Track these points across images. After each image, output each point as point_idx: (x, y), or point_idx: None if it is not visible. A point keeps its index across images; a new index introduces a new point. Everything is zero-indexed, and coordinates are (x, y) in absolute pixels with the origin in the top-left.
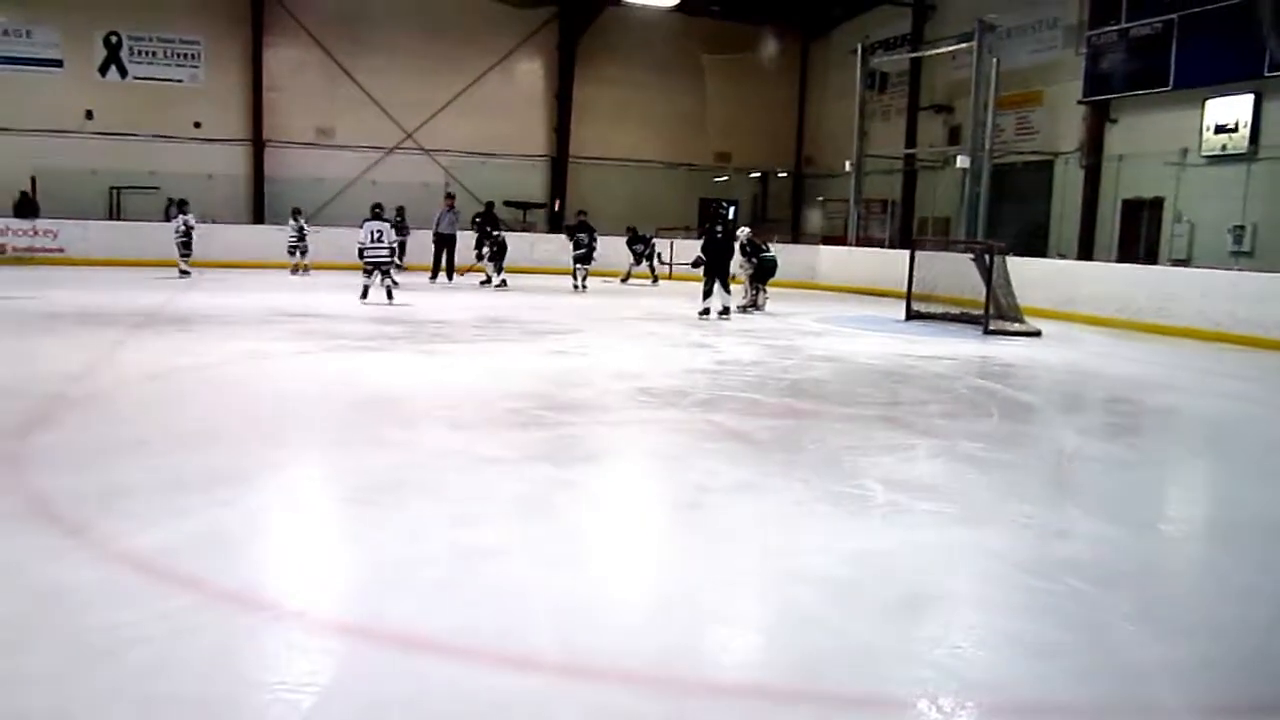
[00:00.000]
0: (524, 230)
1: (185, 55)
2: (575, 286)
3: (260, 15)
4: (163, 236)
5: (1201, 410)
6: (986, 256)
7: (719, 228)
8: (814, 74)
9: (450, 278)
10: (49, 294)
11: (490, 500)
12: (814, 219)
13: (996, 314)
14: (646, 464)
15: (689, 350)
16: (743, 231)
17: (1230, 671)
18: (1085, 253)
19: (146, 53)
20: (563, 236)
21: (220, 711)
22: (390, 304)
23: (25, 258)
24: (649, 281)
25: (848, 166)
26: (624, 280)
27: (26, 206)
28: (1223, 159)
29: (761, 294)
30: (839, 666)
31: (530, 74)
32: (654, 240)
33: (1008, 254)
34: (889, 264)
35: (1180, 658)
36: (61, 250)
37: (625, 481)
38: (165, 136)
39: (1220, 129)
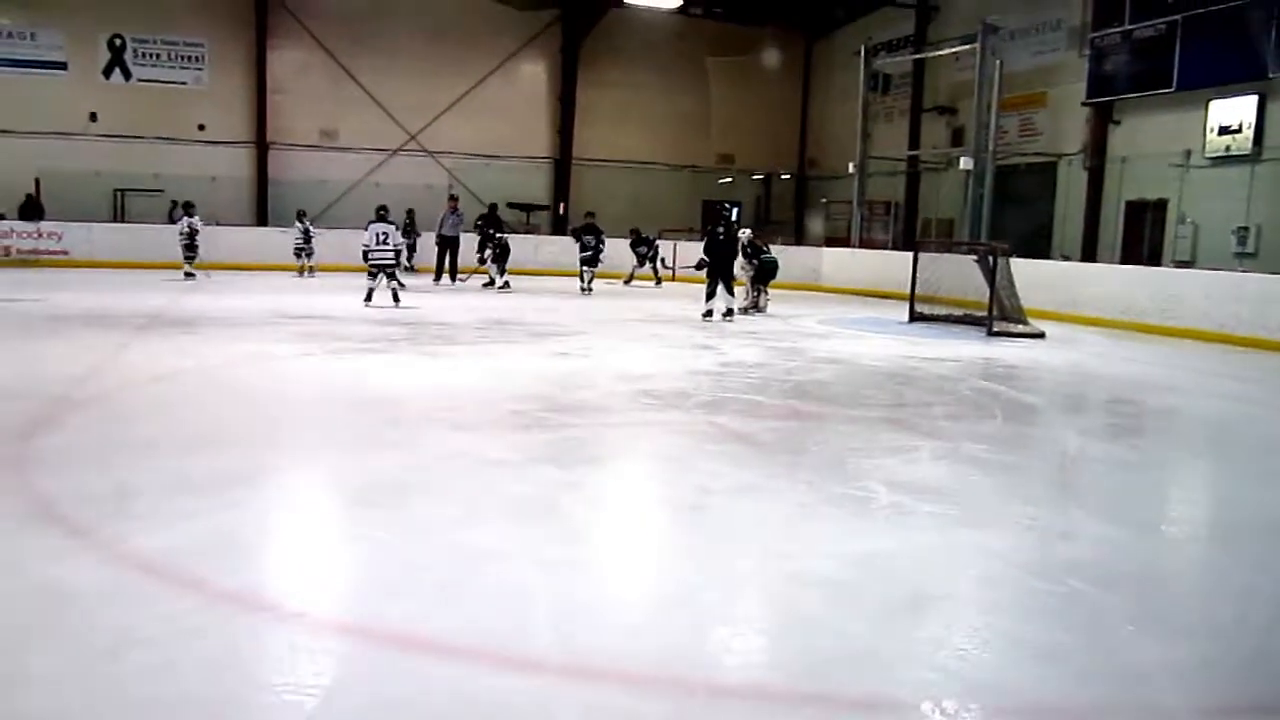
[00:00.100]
0: (527, 232)
1: (189, 58)
2: (582, 289)
3: (264, 18)
4: (167, 239)
5: (1203, 411)
6: (990, 258)
7: (721, 229)
8: (817, 76)
9: (454, 280)
10: (54, 296)
11: (492, 501)
12: (817, 221)
13: (1000, 316)
14: (649, 466)
15: (692, 352)
16: (744, 233)
17: (1230, 671)
18: (1089, 254)
19: (150, 55)
20: (568, 239)
21: (223, 712)
22: (397, 306)
23: (30, 260)
24: (652, 283)
25: (851, 168)
26: (627, 282)
27: (31, 209)
28: (1226, 160)
29: (762, 295)
30: (841, 668)
31: (533, 76)
32: (657, 242)
33: (1011, 256)
34: (892, 266)
35: (1181, 658)
36: (66, 252)
37: (628, 483)
38: (169, 139)
39: (1224, 130)
